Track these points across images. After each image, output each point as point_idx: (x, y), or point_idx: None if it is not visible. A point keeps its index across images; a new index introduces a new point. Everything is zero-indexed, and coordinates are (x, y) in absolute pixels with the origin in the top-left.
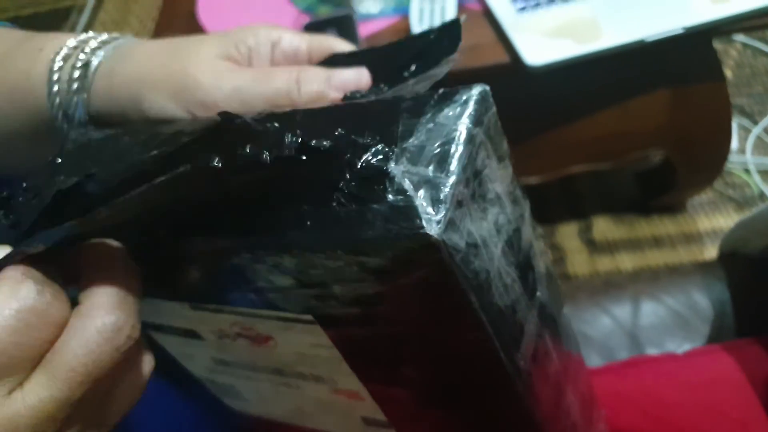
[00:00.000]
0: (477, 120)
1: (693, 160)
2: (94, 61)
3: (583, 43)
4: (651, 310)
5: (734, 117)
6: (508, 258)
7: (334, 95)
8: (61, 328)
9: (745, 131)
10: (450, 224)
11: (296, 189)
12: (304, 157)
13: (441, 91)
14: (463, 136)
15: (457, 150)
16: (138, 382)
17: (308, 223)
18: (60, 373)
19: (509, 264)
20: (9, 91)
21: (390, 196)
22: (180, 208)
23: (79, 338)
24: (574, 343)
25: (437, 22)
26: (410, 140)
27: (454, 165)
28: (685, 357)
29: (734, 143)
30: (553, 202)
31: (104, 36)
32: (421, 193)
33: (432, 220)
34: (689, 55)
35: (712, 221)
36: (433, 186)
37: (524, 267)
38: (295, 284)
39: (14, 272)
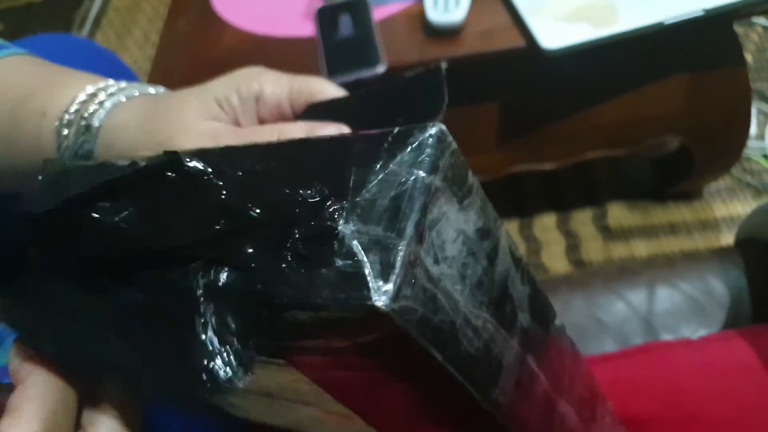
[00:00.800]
0: (432, 166)
1: (711, 146)
2: (95, 123)
3: (599, 26)
4: (666, 296)
5: (753, 102)
6: (478, 299)
7: None
8: None
9: (765, 116)
10: (401, 290)
11: (246, 248)
12: (250, 218)
13: (395, 131)
14: (417, 188)
15: (410, 205)
16: None
17: (258, 286)
18: None
19: (479, 305)
20: (22, 152)
21: (339, 261)
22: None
23: None
24: (569, 344)
25: (452, 7)
26: (362, 192)
27: (405, 223)
28: (700, 343)
29: (753, 129)
30: (567, 189)
31: (101, 96)
32: (371, 257)
33: (381, 290)
34: (709, 38)
35: (730, 208)
36: (383, 248)
37: (499, 300)
38: (259, 336)
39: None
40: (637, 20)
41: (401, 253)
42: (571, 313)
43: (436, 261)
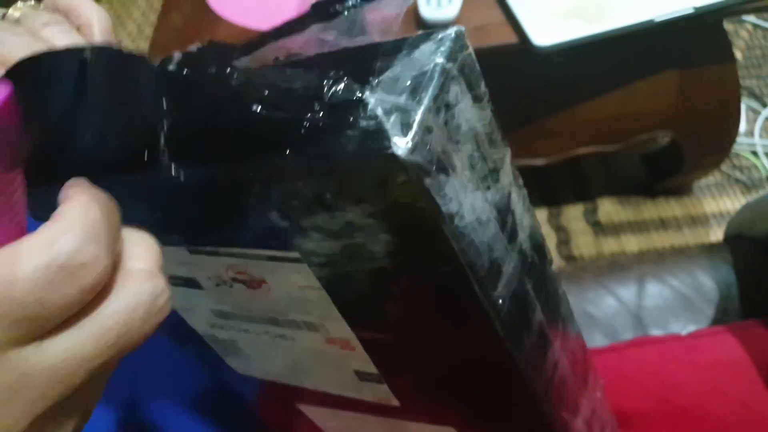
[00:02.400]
0: (450, 56)
1: (701, 142)
2: None
3: (591, 23)
4: (656, 292)
5: (743, 99)
6: (484, 194)
7: None
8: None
9: (754, 113)
10: (418, 147)
11: (278, 123)
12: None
13: (418, 32)
14: (436, 70)
15: (430, 81)
16: None
17: (287, 151)
18: (91, 330)
19: (485, 200)
20: None
21: (362, 122)
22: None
23: (119, 300)
24: (566, 304)
25: (444, 3)
26: (386, 73)
27: (424, 95)
28: (689, 338)
29: (742, 125)
30: (559, 184)
31: None
32: (392, 118)
33: (400, 142)
34: (699, 35)
35: (719, 204)
36: (403, 112)
37: (502, 209)
38: (279, 217)
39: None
40: (629, 17)
41: (419, 117)
42: None
43: (450, 140)
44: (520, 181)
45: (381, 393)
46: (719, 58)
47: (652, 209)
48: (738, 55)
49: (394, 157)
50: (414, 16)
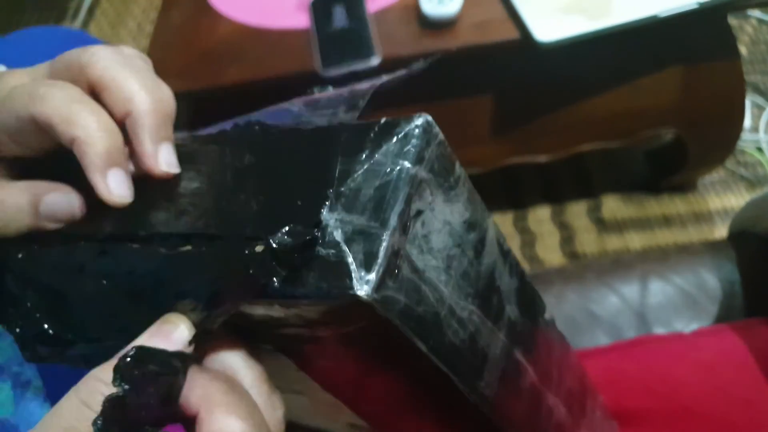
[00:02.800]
0: (417, 157)
1: (705, 138)
2: None
3: (594, 19)
4: (659, 289)
5: (747, 95)
6: (464, 290)
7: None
8: None
9: (759, 109)
10: (384, 280)
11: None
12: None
13: (382, 121)
14: (402, 178)
15: (394, 195)
16: None
17: (250, 296)
18: None
19: (465, 297)
20: None
21: (321, 250)
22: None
23: None
24: (558, 337)
25: (446, 0)
26: (347, 181)
27: (389, 213)
28: (692, 336)
29: (747, 121)
30: (562, 181)
31: None
32: (354, 247)
33: (363, 280)
34: (703, 31)
35: (723, 200)
36: (366, 237)
37: (486, 292)
38: (248, 323)
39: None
40: (632, 13)
41: (384, 243)
42: (564, 306)
43: (421, 251)
44: (506, 246)
45: None
46: (723, 54)
47: (656, 206)
48: (743, 50)
49: (356, 297)
50: (415, 12)
